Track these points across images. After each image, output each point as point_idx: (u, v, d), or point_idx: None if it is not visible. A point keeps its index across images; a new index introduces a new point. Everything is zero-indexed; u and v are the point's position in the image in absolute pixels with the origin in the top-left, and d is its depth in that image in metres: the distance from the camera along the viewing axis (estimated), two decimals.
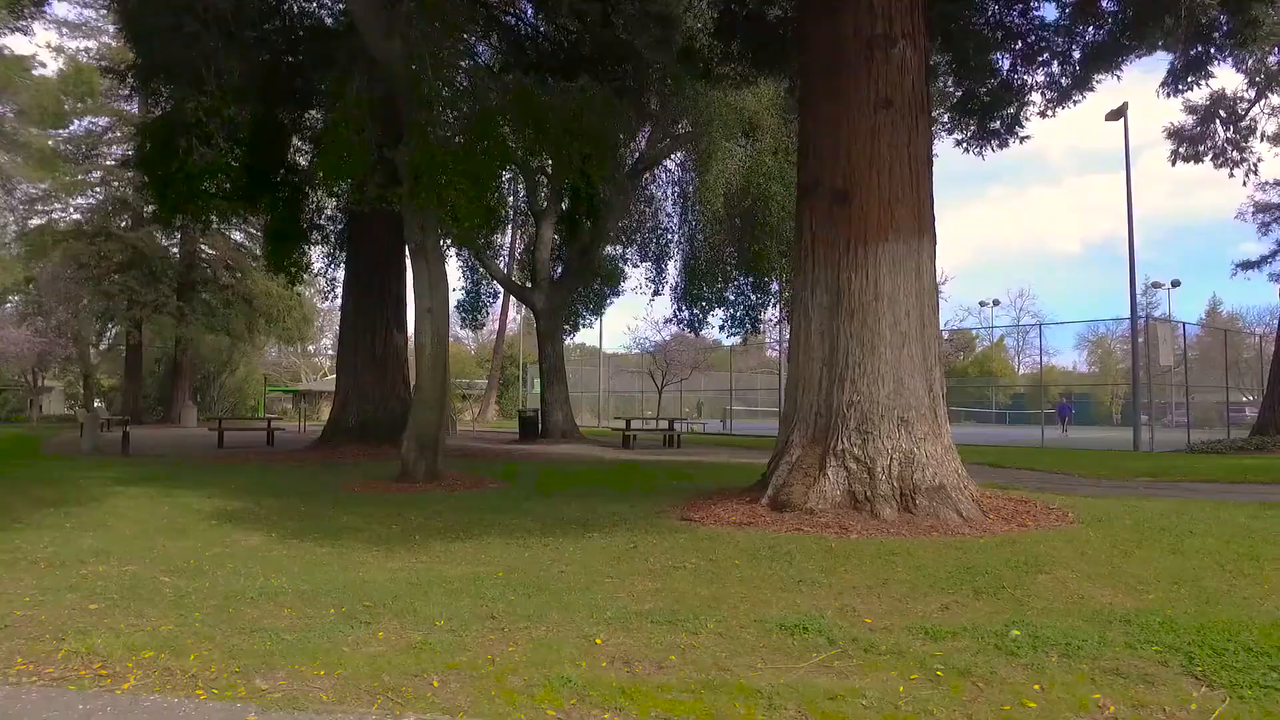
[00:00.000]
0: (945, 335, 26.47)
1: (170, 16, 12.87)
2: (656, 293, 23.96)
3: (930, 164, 7.35)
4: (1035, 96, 9.78)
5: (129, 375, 31.06)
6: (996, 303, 50.70)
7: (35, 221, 27.74)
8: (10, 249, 24.96)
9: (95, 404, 37.99)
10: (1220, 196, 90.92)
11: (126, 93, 16.94)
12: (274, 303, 31.51)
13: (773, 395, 43.36)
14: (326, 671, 3.28)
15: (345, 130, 9.39)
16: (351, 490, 9.92)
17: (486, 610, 4.22)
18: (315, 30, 17.78)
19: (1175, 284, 37.18)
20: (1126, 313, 20.70)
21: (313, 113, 19.48)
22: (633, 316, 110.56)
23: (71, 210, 29.22)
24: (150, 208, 31.13)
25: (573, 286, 23.11)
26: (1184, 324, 22.36)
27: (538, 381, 44.52)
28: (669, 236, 24.51)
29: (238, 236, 32.34)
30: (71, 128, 27.66)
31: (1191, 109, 21.50)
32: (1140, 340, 19.41)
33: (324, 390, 44.45)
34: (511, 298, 37.99)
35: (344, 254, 19.63)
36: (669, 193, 22.40)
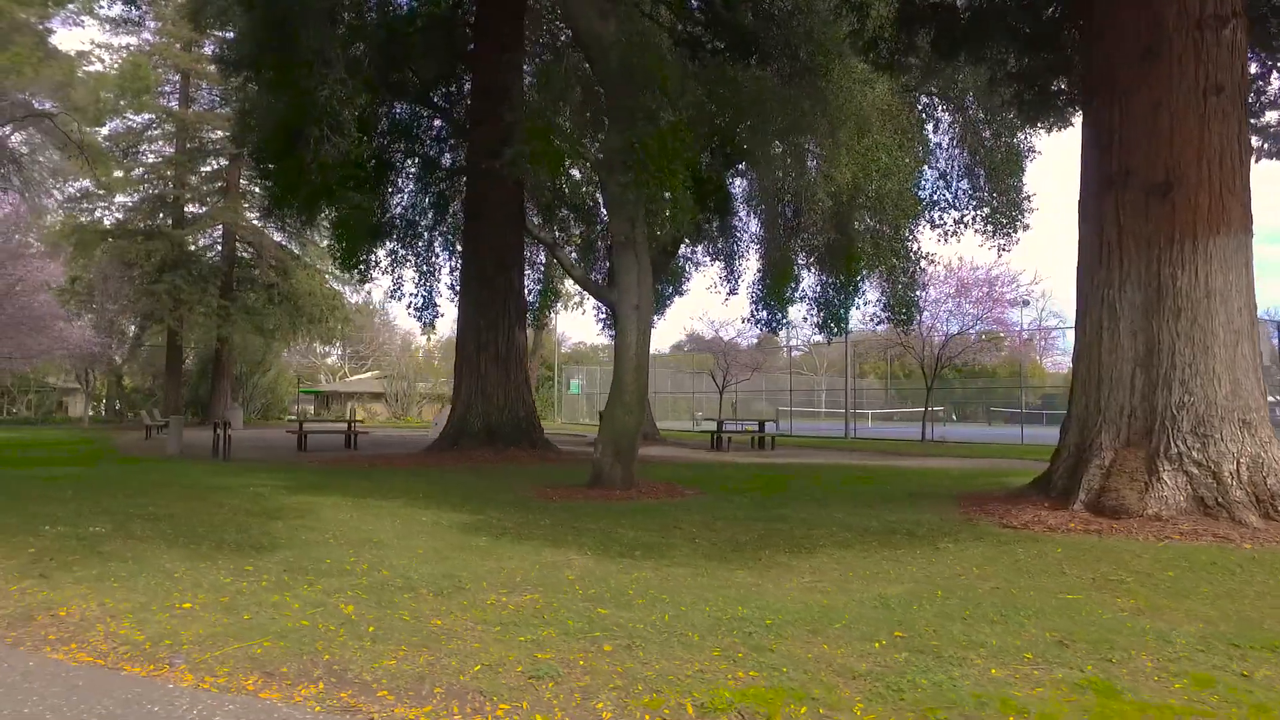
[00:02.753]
0: (973, 336, 26.13)
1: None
2: (732, 292, 23.52)
3: (1252, 153, 6.99)
4: None
5: (169, 376, 30.06)
6: (1025, 303, 50.52)
7: (78, 220, 26.80)
8: (62, 246, 24.01)
9: (117, 406, 36.87)
10: None
11: (238, 83, 16.13)
12: (317, 302, 30.71)
13: (798, 396, 43.08)
14: None
15: (548, 117, 8.86)
16: (548, 498, 9.37)
17: (1030, 637, 3.76)
18: (405, 20, 17.23)
19: None
20: None
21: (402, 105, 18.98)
22: (689, 316, 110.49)
23: (114, 209, 28.34)
24: (180, 204, 30.33)
25: (652, 285, 22.56)
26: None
27: (574, 382, 44.11)
28: (741, 234, 24.12)
29: (277, 237, 31.49)
30: (114, 124, 26.77)
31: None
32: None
33: (350, 391, 43.59)
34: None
35: (458, 249, 19.11)
36: (753, 189, 21.91)
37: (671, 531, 6.91)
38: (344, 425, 19.82)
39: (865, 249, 18.09)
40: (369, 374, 49.21)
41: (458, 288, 22.13)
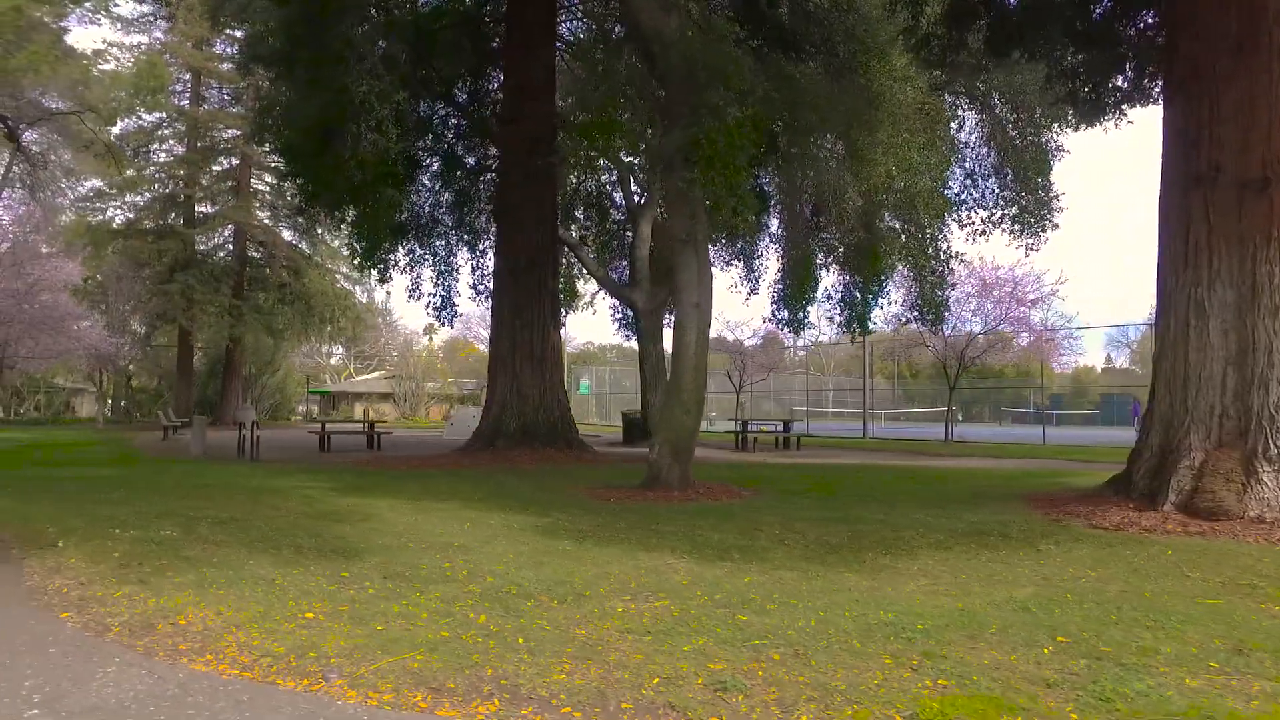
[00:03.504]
0: (981, 337, 25.76)
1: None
2: (753, 291, 23.40)
3: None
4: None
5: (180, 376, 29.76)
6: (1034, 303, 50.43)
7: (89, 219, 26.52)
8: (77, 246, 23.72)
9: (121, 404, 36.49)
10: None
11: (260, 80, 15.92)
12: (329, 301, 30.50)
13: (806, 397, 42.98)
14: None
15: (612, 113, 8.72)
16: (605, 499, 9.22)
17: (1199, 644, 3.63)
18: (430, 16, 17.04)
19: None
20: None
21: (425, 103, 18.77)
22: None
23: (126, 208, 28.07)
24: (191, 203, 30.04)
25: (673, 285, 22.46)
26: None
27: (583, 382, 43.88)
28: (762, 233, 24.01)
29: (287, 235, 31.26)
30: (125, 123, 26.51)
31: None
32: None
33: (357, 392, 43.33)
34: None
35: (480, 247, 19.00)
36: (782, 187, 21.79)
37: (754, 533, 6.78)
38: (365, 426, 19.61)
39: (894, 248, 17.95)
40: (375, 374, 48.93)
41: (478, 287, 22.03)
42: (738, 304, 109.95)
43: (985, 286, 21.82)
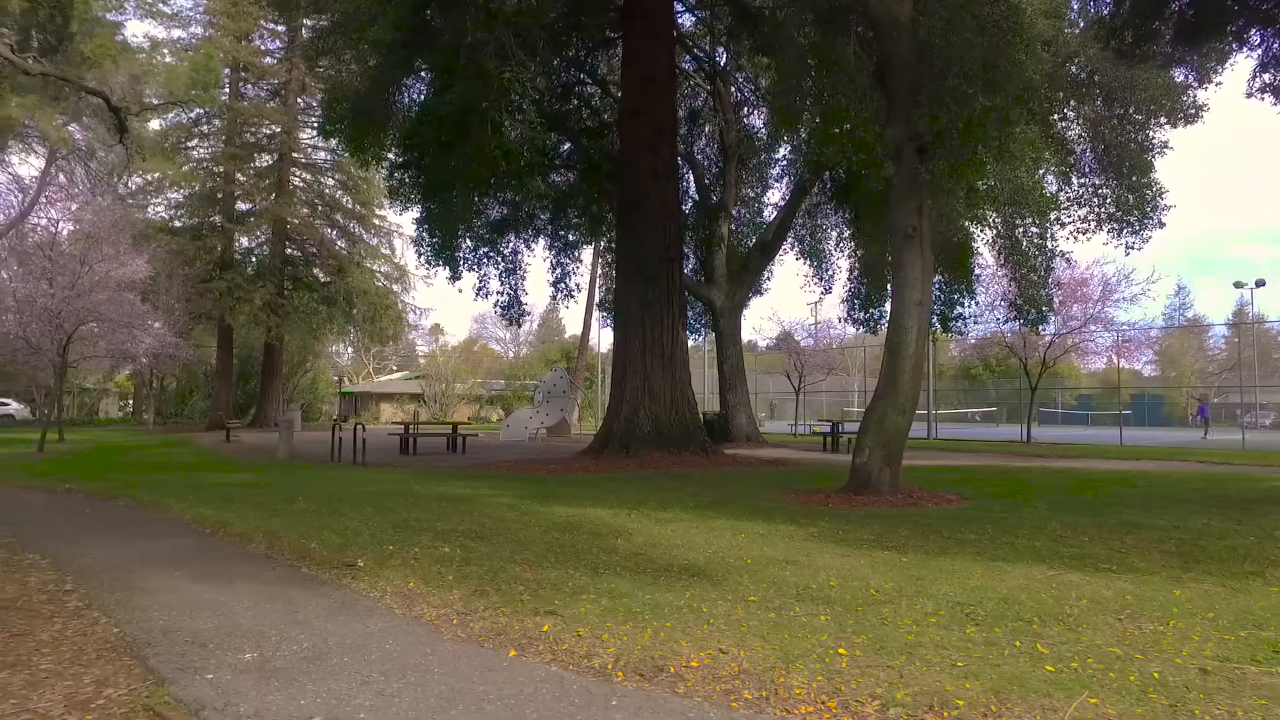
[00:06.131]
0: (1008, 335, 25.57)
1: None
2: (826, 290, 23.13)
3: None
4: None
5: (220, 377, 28.89)
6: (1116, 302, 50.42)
7: (136, 215, 25.59)
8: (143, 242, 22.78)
9: (141, 406, 35.41)
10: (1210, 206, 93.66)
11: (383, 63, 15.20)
12: (371, 301, 29.75)
13: (831, 398, 42.82)
14: None
15: (845, 101, 8.29)
16: (824, 504, 8.82)
17: None
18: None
19: (1260, 283, 37.41)
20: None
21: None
22: (759, 316, 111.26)
23: (166, 205, 27.19)
24: (231, 201, 29.12)
25: (751, 283, 22.12)
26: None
27: None
28: (832, 233, 23.82)
29: (329, 233, 30.45)
30: (167, 119, 25.63)
31: None
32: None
33: (383, 392, 42.50)
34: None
35: (548, 242, 18.43)
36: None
37: (1060, 540, 6.42)
38: (448, 428, 19.03)
39: (1001, 246, 17.72)
40: (398, 374, 48.05)
41: (559, 285, 21.44)
42: (820, 302, 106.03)
43: (1065, 287, 21.60)
